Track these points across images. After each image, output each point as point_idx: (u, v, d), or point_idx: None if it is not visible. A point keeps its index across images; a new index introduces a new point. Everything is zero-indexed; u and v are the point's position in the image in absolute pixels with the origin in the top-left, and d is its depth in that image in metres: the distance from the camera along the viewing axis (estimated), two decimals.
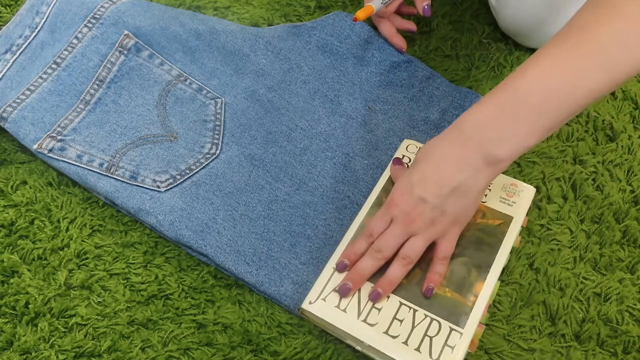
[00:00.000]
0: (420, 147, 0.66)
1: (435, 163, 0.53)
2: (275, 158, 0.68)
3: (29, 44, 0.72)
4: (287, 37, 0.76)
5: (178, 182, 0.65)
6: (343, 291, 0.56)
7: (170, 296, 0.61)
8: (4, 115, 0.66)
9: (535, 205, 0.66)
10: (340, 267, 0.57)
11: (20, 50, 0.72)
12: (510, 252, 0.60)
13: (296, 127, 0.70)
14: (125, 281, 0.61)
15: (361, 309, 0.55)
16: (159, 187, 0.64)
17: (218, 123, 0.70)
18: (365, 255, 0.56)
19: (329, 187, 0.66)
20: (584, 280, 0.62)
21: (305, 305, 0.56)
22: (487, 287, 0.56)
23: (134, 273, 0.62)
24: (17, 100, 0.68)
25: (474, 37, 0.80)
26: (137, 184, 0.64)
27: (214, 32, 0.74)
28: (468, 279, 0.57)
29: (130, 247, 0.64)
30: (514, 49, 0.79)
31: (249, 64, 0.74)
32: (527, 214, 0.63)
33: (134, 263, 0.62)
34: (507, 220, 0.60)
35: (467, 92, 0.73)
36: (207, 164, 0.67)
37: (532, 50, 0.78)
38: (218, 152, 0.68)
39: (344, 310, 0.55)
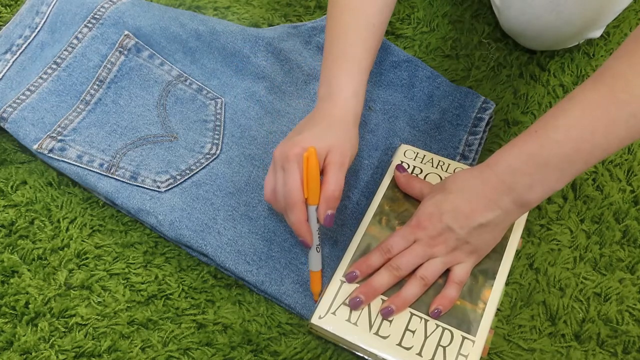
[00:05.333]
0: (423, 154, 0.66)
1: (467, 198, 0.54)
2: None
3: (29, 44, 0.72)
4: (287, 37, 0.76)
5: (178, 182, 0.65)
6: (354, 304, 0.56)
7: (170, 296, 0.61)
8: (4, 115, 0.67)
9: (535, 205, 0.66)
10: (350, 278, 0.57)
11: (20, 51, 0.72)
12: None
13: None
14: (125, 281, 0.61)
15: (372, 322, 0.55)
16: (159, 187, 0.64)
17: (218, 123, 0.70)
18: (381, 270, 0.56)
19: None
20: (584, 280, 0.62)
21: (315, 320, 0.56)
22: (496, 293, 0.57)
23: (134, 273, 0.62)
24: (17, 101, 0.68)
25: (474, 37, 0.80)
26: (137, 184, 0.64)
27: (214, 32, 0.74)
28: (476, 286, 0.57)
29: (130, 247, 0.64)
30: (514, 49, 0.79)
31: (249, 65, 0.74)
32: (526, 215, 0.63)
33: (134, 263, 0.62)
34: (510, 225, 0.60)
35: (467, 92, 0.73)
36: (207, 164, 0.67)
37: (532, 52, 0.78)
38: (218, 152, 0.68)
39: (355, 324, 0.55)
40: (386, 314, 0.55)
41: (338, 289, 0.57)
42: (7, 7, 0.82)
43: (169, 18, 0.75)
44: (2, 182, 0.67)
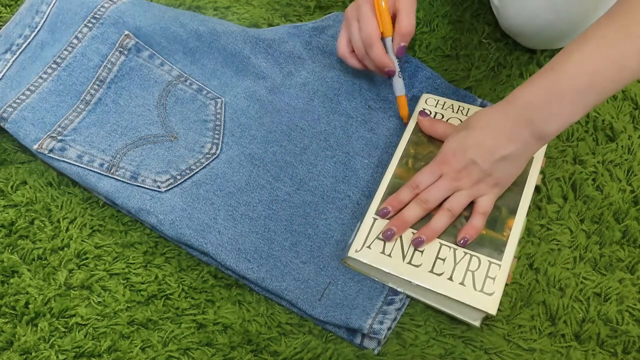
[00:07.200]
0: (444, 101, 0.71)
1: (489, 132, 0.57)
2: (275, 158, 0.68)
3: (29, 43, 0.72)
4: (287, 38, 0.76)
5: (178, 182, 0.65)
6: (387, 236, 0.59)
7: (170, 296, 0.61)
8: (4, 115, 0.66)
9: (535, 205, 0.66)
10: (383, 214, 0.61)
11: (20, 50, 0.72)
12: (534, 191, 0.64)
13: (296, 126, 0.70)
14: (125, 281, 0.61)
15: (405, 253, 0.59)
16: (159, 187, 0.64)
17: (218, 123, 0.70)
18: (411, 204, 0.61)
19: (330, 187, 0.66)
20: (584, 280, 0.62)
21: (351, 254, 0.59)
22: (518, 222, 0.61)
23: (134, 273, 0.62)
24: (17, 101, 0.68)
25: (474, 37, 0.80)
26: (137, 184, 0.64)
27: (215, 33, 0.74)
28: (500, 217, 0.61)
29: (130, 247, 0.63)
30: (514, 49, 0.79)
31: (249, 66, 0.74)
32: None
33: (134, 263, 0.62)
34: (530, 160, 0.64)
35: (465, 95, 0.73)
36: (207, 164, 0.67)
37: (532, 52, 0.78)
38: (218, 152, 0.68)
39: (389, 255, 0.59)
40: (417, 244, 0.59)
41: (371, 226, 0.61)
42: (7, 7, 0.82)
43: (169, 18, 0.75)
44: (2, 182, 0.67)
